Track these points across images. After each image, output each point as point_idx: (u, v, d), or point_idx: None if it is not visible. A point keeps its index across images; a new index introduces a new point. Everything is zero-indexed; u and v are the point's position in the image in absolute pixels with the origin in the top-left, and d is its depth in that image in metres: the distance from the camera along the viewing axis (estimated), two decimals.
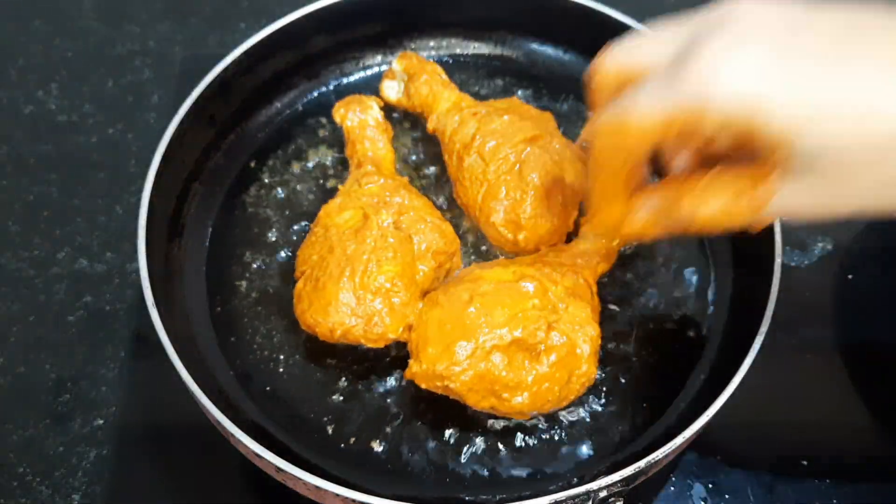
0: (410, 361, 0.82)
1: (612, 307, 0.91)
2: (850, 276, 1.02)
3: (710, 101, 0.58)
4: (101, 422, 0.93)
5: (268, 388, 0.86)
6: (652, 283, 0.92)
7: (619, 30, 0.97)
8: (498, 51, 1.08)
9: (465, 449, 0.83)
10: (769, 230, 0.85)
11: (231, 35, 1.24)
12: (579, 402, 0.85)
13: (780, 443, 0.92)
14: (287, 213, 0.96)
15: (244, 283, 0.92)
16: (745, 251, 0.91)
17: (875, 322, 1.00)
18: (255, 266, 0.93)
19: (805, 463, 0.90)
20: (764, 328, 0.80)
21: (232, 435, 0.75)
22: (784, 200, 0.62)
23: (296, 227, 0.95)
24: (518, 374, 0.78)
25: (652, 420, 0.85)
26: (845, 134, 0.57)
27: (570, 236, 0.91)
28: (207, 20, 1.26)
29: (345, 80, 1.06)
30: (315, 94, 1.05)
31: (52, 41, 1.23)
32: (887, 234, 1.06)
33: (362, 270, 0.82)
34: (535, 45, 1.07)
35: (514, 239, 0.89)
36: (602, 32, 0.98)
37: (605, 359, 0.87)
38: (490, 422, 0.84)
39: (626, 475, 0.72)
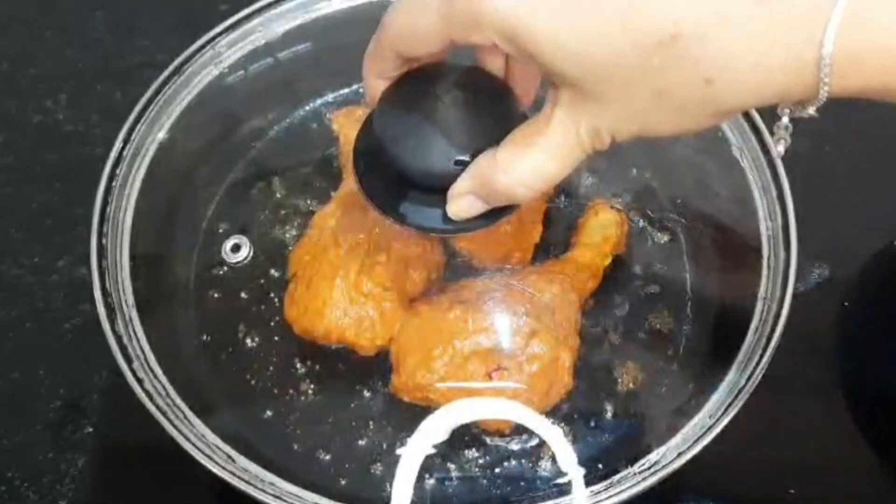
0: (393, 376, 0.82)
1: (592, 329, 0.89)
2: (846, 304, 0.99)
3: (479, 20, 0.56)
4: (90, 430, 0.94)
5: (249, 396, 0.86)
6: (632, 306, 0.91)
7: None
8: None
9: (439, 467, 0.82)
10: (756, 256, 0.83)
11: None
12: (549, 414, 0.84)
13: (771, 483, 0.90)
14: (282, 220, 0.96)
15: (231, 292, 0.91)
16: (729, 278, 0.90)
17: (878, 354, 0.97)
18: (243, 274, 0.92)
19: (792, 491, 0.88)
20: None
21: (204, 437, 0.76)
22: (582, 129, 0.59)
23: (290, 234, 0.94)
24: (496, 388, 0.78)
25: (618, 445, 0.83)
26: (598, 51, 0.54)
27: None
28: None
29: (342, 92, 1.04)
30: (310, 105, 1.04)
31: (63, 52, 1.24)
32: (889, 262, 1.03)
33: (356, 272, 0.82)
34: None
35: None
36: None
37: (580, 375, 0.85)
38: (462, 441, 0.83)
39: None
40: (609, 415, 0.84)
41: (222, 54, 0.97)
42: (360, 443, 0.83)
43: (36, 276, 1.04)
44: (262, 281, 0.92)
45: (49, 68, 1.23)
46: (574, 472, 0.76)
